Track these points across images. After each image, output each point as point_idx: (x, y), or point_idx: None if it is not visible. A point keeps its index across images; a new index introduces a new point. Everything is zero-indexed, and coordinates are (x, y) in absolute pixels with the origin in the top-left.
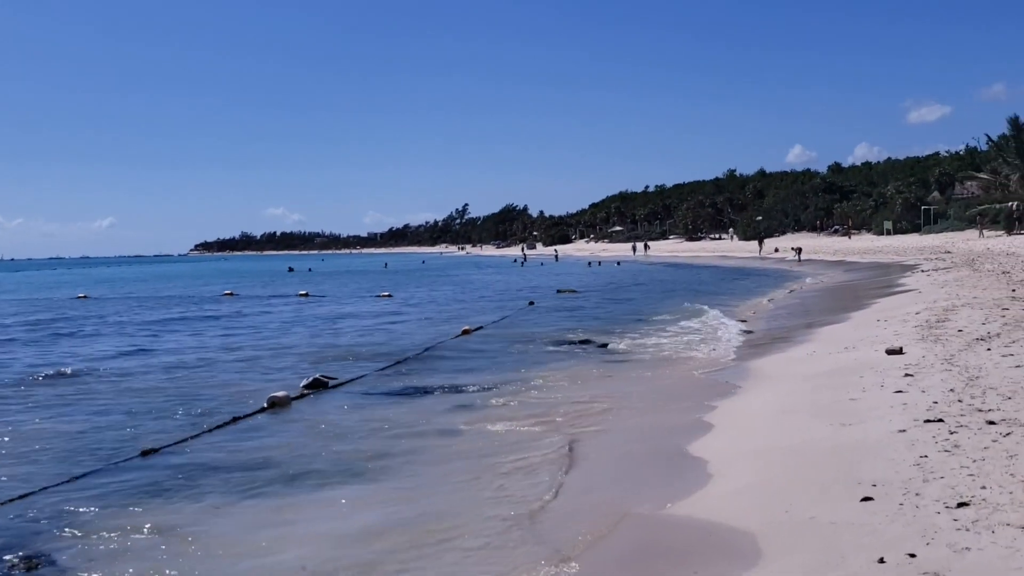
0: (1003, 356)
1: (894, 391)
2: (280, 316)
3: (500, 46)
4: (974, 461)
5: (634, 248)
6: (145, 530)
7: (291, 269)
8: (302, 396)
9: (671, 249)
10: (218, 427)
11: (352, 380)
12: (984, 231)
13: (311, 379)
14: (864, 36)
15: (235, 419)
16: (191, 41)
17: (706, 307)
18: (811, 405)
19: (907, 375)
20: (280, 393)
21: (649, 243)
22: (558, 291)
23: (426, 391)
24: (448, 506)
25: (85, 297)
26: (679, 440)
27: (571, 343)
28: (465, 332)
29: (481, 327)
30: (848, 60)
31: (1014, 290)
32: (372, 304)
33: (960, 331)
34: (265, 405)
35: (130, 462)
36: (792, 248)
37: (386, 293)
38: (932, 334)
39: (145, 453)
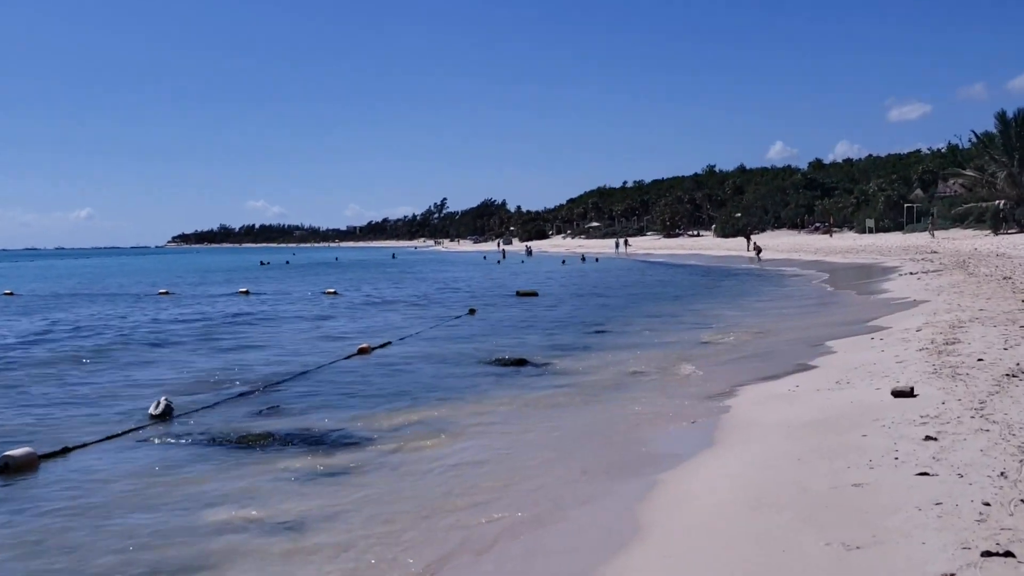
0: None
1: (916, 472)
2: (193, 320)
3: (483, 43)
4: None
5: (616, 244)
6: None
7: (263, 263)
8: (65, 450)
9: (648, 246)
10: None
11: (174, 419)
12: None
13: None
14: (846, 35)
15: None
16: (173, 35)
17: (681, 316)
18: (797, 492)
19: (928, 437)
20: (19, 451)
21: (628, 239)
22: (517, 293)
23: (264, 444)
24: None
25: (11, 294)
26: (581, 564)
27: (500, 364)
28: (362, 351)
29: (389, 343)
30: (830, 59)
31: None
32: (310, 304)
33: (980, 360)
34: None
35: None
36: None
37: (332, 291)
38: (945, 364)
39: None
